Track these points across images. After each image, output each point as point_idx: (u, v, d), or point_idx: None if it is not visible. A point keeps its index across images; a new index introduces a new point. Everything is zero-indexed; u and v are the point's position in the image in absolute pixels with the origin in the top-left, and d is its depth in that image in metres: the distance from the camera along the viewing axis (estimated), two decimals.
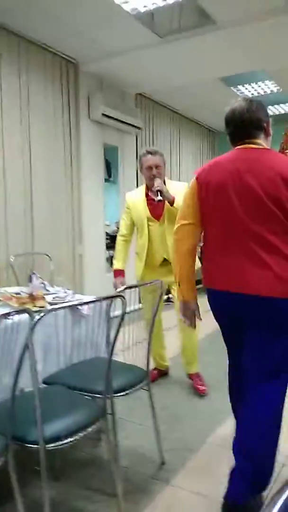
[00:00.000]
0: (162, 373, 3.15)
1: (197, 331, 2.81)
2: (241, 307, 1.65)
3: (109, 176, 5.71)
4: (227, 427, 2.41)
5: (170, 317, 2.92)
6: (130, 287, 1.79)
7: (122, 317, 1.67)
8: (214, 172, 1.72)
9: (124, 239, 2.94)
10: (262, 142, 1.73)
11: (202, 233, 1.83)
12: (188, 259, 1.83)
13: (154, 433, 2.10)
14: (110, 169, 5.68)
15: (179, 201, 2.67)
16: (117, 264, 2.91)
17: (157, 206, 2.75)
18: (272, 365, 1.63)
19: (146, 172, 2.79)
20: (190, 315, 1.94)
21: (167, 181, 2.86)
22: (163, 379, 3.11)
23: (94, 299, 1.57)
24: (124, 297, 1.64)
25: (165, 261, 2.85)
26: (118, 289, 2.79)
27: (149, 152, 2.78)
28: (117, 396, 1.85)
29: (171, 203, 2.67)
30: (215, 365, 3.40)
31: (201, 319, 1.95)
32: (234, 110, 1.74)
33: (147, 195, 2.84)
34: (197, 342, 2.93)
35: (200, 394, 2.86)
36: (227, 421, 2.48)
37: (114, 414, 1.84)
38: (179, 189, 2.79)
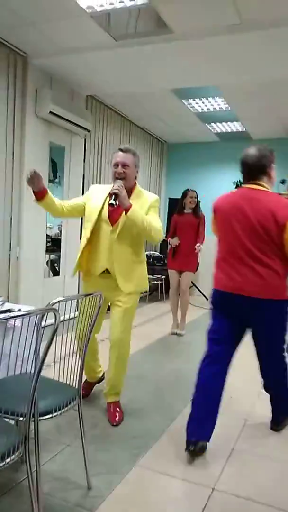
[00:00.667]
0: (94, 385, 2.98)
1: (128, 347, 2.67)
2: (239, 305, 2.27)
3: (55, 177, 5.49)
4: (160, 447, 2.32)
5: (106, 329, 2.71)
6: (65, 300, 1.65)
7: (54, 332, 1.52)
8: (225, 204, 2.35)
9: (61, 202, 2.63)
10: (265, 183, 2.32)
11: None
12: None
13: (82, 456, 1.96)
14: (56, 170, 5.46)
15: (137, 211, 2.43)
16: None
17: (116, 210, 2.48)
18: (269, 342, 2.38)
19: (112, 170, 2.56)
20: None
21: (138, 188, 2.62)
22: (94, 394, 2.93)
23: (23, 313, 1.41)
24: (57, 311, 1.49)
25: (107, 273, 2.57)
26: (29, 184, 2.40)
27: (120, 149, 2.56)
28: (42, 418, 1.69)
29: (126, 210, 2.42)
30: (149, 380, 3.33)
31: None
32: (247, 156, 2.35)
33: (111, 194, 2.53)
34: (127, 360, 2.68)
35: (112, 423, 2.57)
36: (159, 441, 2.39)
37: (38, 438, 1.68)
38: (147, 200, 2.57)
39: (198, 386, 2.35)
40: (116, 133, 6.21)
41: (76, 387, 1.94)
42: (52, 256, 5.55)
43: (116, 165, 2.53)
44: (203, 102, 5.71)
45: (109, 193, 2.47)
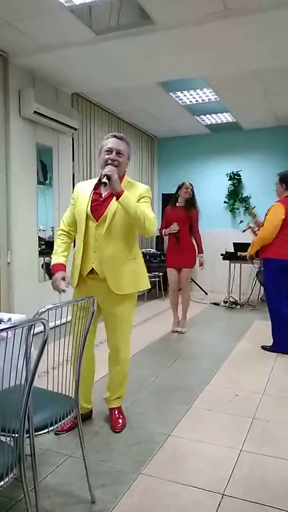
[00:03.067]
0: (82, 418, 2.18)
1: (128, 356, 2.54)
2: None
3: (45, 179, 5.38)
4: (164, 453, 2.23)
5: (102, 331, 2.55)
6: (55, 307, 1.55)
7: (43, 343, 1.43)
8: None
9: (63, 233, 2.47)
10: None
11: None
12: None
13: (83, 467, 1.87)
14: (46, 172, 5.34)
15: (129, 198, 2.21)
16: (54, 259, 2.39)
17: (101, 204, 2.30)
18: None
19: (103, 156, 2.31)
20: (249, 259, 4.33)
21: (128, 179, 2.41)
22: (95, 400, 2.69)
23: (9, 326, 1.32)
24: (45, 320, 1.40)
25: (93, 273, 2.35)
26: (61, 287, 2.28)
27: (114, 135, 2.35)
28: (38, 434, 1.59)
29: (118, 196, 2.19)
30: (152, 382, 3.23)
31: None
32: None
33: (96, 187, 2.36)
34: (127, 369, 2.55)
35: (115, 430, 2.45)
36: (164, 446, 2.30)
37: (34, 456, 1.59)
38: (139, 190, 2.36)
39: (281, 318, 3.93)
40: (105, 130, 6.09)
41: (73, 396, 1.86)
42: (47, 259, 5.45)
43: (110, 151, 2.31)
44: (191, 94, 5.60)
45: (100, 175, 2.23)
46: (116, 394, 2.55)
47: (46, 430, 1.61)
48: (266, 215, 3.99)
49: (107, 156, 2.31)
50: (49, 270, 5.46)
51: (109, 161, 2.30)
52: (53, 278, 2.32)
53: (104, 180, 2.18)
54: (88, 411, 2.59)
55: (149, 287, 2.52)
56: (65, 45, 3.87)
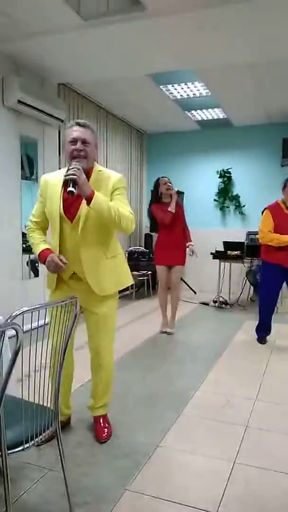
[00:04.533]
0: (61, 425, 2.03)
1: (112, 360, 2.37)
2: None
3: (31, 173, 5.15)
4: (153, 466, 2.07)
5: (80, 335, 2.40)
6: (31, 310, 1.38)
7: (16, 352, 1.25)
8: None
9: (36, 228, 2.28)
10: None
11: None
12: None
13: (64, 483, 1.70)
14: (32, 167, 5.12)
15: (101, 200, 2.00)
16: (39, 248, 2.19)
17: (74, 201, 2.09)
18: None
19: (68, 148, 2.09)
20: None
21: (98, 168, 2.19)
22: (77, 407, 2.52)
23: None
24: (18, 326, 1.22)
25: (76, 275, 2.21)
26: (63, 260, 2.06)
27: (77, 123, 2.11)
28: (12, 452, 1.42)
29: (88, 200, 1.99)
30: (139, 388, 3.06)
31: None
32: None
33: (67, 181, 2.03)
34: (112, 375, 2.39)
35: (100, 440, 2.29)
36: (152, 458, 2.14)
37: (7, 476, 1.41)
38: (111, 181, 2.15)
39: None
40: (92, 123, 5.89)
41: (52, 407, 1.68)
42: (32, 256, 5.25)
43: (74, 141, 2.08)
44: (182, 88, 5.44)
45: (64, 179, 1.98)
46: (101, 401, 2.38)
47: (20, 448, 1.44)
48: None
49: (72, 147, 2.08)
50: (35, 267, 5.29)
51: (75, 153, 2.08)
52: (47, 260, 2.13)
53: (71, 189, 1.93)
54: (68, 417, 2.42)
55: (132, 282, 2.41)
56: (51, 31, 3.67)
